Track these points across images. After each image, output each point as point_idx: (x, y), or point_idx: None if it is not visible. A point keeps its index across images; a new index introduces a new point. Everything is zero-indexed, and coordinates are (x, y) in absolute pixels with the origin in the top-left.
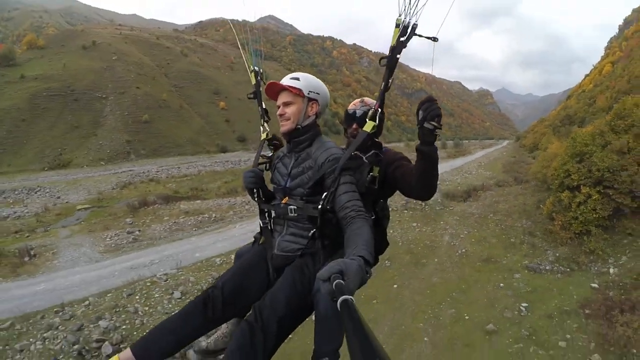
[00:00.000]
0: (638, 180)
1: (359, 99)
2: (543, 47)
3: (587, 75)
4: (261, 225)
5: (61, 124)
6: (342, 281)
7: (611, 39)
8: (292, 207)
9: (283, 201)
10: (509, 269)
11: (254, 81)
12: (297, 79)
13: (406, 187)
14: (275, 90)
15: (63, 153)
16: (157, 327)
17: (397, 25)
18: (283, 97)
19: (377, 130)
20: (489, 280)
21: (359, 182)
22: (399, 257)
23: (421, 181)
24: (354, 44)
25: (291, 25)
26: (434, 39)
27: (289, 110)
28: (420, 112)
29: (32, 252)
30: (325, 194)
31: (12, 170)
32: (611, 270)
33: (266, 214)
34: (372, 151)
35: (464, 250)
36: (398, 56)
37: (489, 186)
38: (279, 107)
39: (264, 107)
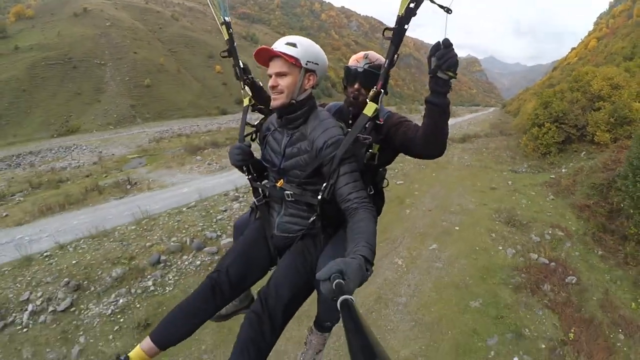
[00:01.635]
0: (580, 119)
1: (362, 53)
2: (536, 17)
3: (573, 49)
4: (256, 203)
5: (63, 92)
6: (342, 281)
7: (601, 14)
8: (288, 192)
9: (278, 184)
10: (499, 171)
11: (226, 36)
12: (294, 45)
13: (411, 145)
14: (268, 56)
15: (69, 120)
16: (171, 314)
17: None
18: (276, 66)
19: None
20: (487, 175)
21: (358, 160)
22: (427, 164)
23: (432, 137)
24: (343, 7)
25: None
26: (448, 10)
27: (283, 83)
28: (434, 59)
29: (131, 181)
30: (324, 184)
31: (20, 140)
32: (563, 170)
33: (260, 191)
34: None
35: (468, 164)
36: (406, 27)
37: (480, 135)
38: (270, 76)
39: (241, 65)
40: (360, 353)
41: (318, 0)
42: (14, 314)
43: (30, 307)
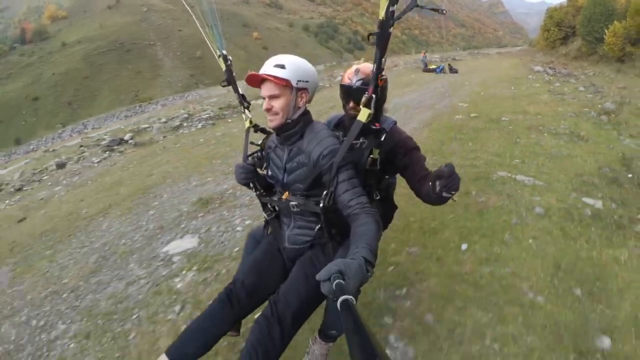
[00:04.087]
0: (572, 22)
1: (354, 67)
2: None
3: None
4: (266, 218)
5: (124, 73)
6: (342, 281)
7: None
8: (293, 203)
9: (284, 197)
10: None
11: (223, 67)
12: (283, 66)
13: (412, 187)
14: (259, 80)
15: (138, 94)
16: (187, 330)
17: None
18: (268, 89)
19: (377, 107)
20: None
21: (358, 166)
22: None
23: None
24: None
25: None
26: (442, 12)
27: (277, 104)
28: (438, 185)
29: None
30: (325, 192)
31: (99, 112)
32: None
33: (269, 206)
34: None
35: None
36: (391, 30)
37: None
38: (263, 98)
39: (240, 92)
40: (360, 353)
41: None
42: None
43: None
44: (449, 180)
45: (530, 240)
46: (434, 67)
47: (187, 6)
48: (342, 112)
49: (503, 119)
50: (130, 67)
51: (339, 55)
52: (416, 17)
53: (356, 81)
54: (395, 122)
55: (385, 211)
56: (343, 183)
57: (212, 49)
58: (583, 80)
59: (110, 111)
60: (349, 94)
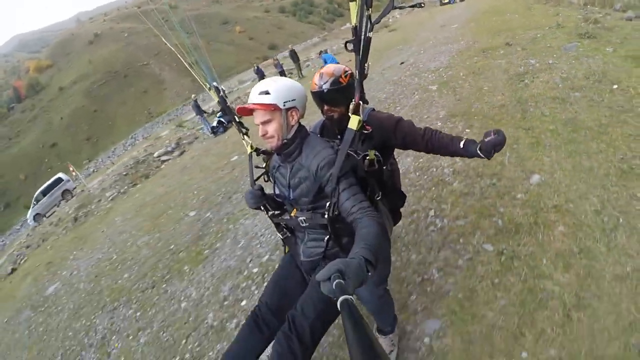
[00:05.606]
0: None
1: (317, 73)
2: None
3: None
4: (281, 237)
5: (130, 96)
6: (342, 281)
7: None
8: (301, 218)
9: (292, 214)
10: None
11: (217, 98)
12: (267, 92)
13: (427, 151)
14: (248, 110)
15: (150, 112)
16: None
17: None
18: (259, 117)
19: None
20: None
21: (357, 172)
22: None
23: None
24: None
25: None
26: (420, 5)
27: (270, 129)
28: (493, 149)
29: None
30: (328, 203)
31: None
32: None
33: (282, 226)
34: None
35: None
36: (370, 34)
37: None
38: (257, 125)
39: (237, 120)
40: (360, 353)
41: None
42: None
43: None
44: (498, 145)
45: None
46: (447, 1)
47: (170, 45)
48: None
49: (501, 14)
50: (134, 90)
51: (321, 27)
52: None
53: (324, 84)
54: (373, 109)
55: (393, 204)
56: (344, 192)
57: (201, 83)
58: None
59: (131, 132)
60: (322, 98)
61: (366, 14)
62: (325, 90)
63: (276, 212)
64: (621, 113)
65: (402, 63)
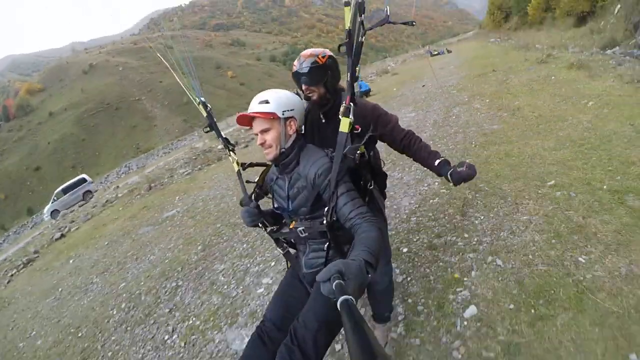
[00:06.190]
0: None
1: (297, 59)
2: None
3: None
4: (281, 252)
5: (119, 129)
6: (342, 282)
7: None
8: (300, 228)
9: (291, 226)
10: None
11: (204, 113)
12: (267, 101)
13: (400, 151)
14: (248, 119)
15: (138, 147)
16: None
17: (347, 4)
18: (258, 125)
19: (333, 87)
20: (476, 43)
21: (357, 171)
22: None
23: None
24: None
25: None
26: (411, 24)
27: (269, 137)
28: (459, 173)
29: None
30: (326, 209)
31: (105, 170)
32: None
33: (281, 241)
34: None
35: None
36: (362, 39)
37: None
38: (256, 134)
39: (223, 136)
40: (360, 353)
41: None
42: None
43: None
44: (467, 178)
45: None
46: (437, 52)
47: (161, 58)
48: None
49: (486, 58)
50: (124, 123)
51: None
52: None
53: (303, 64)
54: (360, 96)
55: (382, 186)
56: (341, 197)
57: (190, 96)
58: (516, 40)
59: (115, 165)
60: (300, 78)
61: (359, 19)
62: (303, 70)
63: (275, 228)
64: (553, 86)
65: (423, 85)
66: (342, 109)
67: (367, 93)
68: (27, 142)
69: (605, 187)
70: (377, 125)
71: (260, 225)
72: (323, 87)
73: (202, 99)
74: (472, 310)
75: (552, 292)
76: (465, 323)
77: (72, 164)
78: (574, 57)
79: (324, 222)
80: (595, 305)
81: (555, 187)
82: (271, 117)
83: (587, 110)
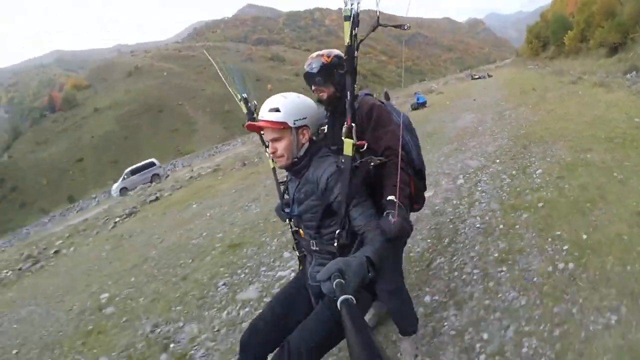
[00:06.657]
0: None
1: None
2: None
3: None
4: (298, 255)
5: (161, 131)
6: (342, 280)
7: None
8: (314, 241)
9: (301, 234)
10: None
11: (245, 110)
12: (277, 109)
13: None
14: (257, 127)
15: (180, 149)
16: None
17: (347, 18)
18: (269, 134)
19: (342, 87)
20: (515, 69)
21: (366, 179)
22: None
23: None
24: (339, 9)
25: (271, 7)
26: (406, 27)
27: (280, 147)
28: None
29: None
30: (337, 231)
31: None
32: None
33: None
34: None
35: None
36: (356, 54)
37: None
38: (267, 141)
39: (261, 133)
40: (360, 353)
41: (317, 9)
42: None
43: None
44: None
45: None
46: (477, 77)
47: (207, 54)
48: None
49: (525, 81)
50: (165, 126)
51: None
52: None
53: (313, 65)
54: (369, 94)
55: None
56: (354, 209)
57: (232, 93)
58: (552, 67)
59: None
60: (310, 79)
61: (353, 32)
62: (313, 71)
63: (297, 229)
64: (578, 98)
65: (474, 100)
66: (344, 129)
67: (423, 105)
68: (71, 134)
69: (603, 136)
70: (376, 125)
71: (289, 223)
72: (332, 87)
73: (245, 95)
74: None
75: None
76: None
77: (113, 159)
78: (598, 79)
79: (335, 244)
80: None
81: (572, 141)
82: (281, 127)
83: (599, 109)
